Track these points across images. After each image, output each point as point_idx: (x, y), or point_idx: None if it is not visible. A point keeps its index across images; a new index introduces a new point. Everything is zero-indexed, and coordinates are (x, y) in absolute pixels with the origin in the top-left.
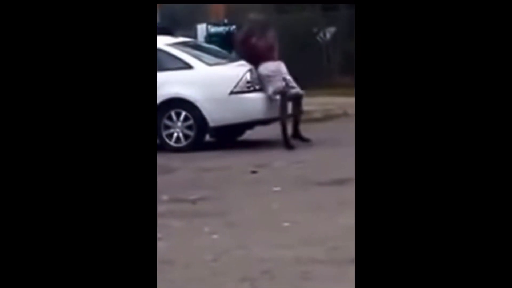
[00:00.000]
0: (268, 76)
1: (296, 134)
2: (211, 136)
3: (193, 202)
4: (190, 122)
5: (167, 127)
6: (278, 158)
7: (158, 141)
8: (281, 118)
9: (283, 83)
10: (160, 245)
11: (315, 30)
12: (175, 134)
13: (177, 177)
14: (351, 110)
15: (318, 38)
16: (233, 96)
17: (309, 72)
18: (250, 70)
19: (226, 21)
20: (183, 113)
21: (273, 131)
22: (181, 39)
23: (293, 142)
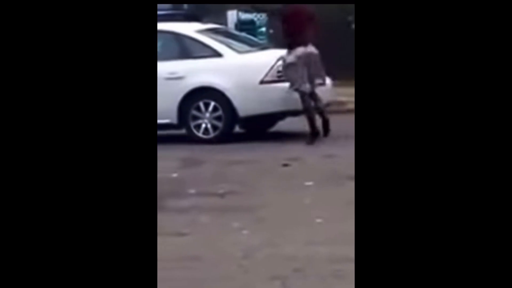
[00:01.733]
0: (290, 64)
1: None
2: (240, 127)
3: (222, 196)
4: (219, 112)
5: (195, 118)
6: (311, 151)
7: (185, 132)
8: (306, 111)
9: (302, 78)
10: (187, 241)
11: (349, 19)
12: (203, 125)
13: (205, 170)
14: None
15: (352, 27)
16: (264, 85)
17: (343, 62)
18: (281, 59)
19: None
20: (212, 103)
21: (306, 122)
22: (210, 25)
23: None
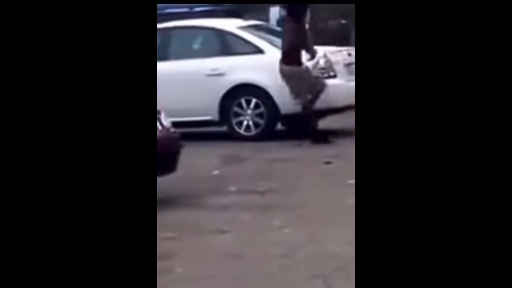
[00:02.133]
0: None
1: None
2: (282, 124)
3: (263, 194)
4: (261, 109)
5: (237, 115)
6: (353, 148)
7: (227, 129)
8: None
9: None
10: (228, 238)
11: None
12: (245, 122)
13: (246, 167)
14: None
15: None
16: None
17: None
18: (324, 56)
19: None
20: (254, 100)
21: (347, 120)
22: (252, 22)
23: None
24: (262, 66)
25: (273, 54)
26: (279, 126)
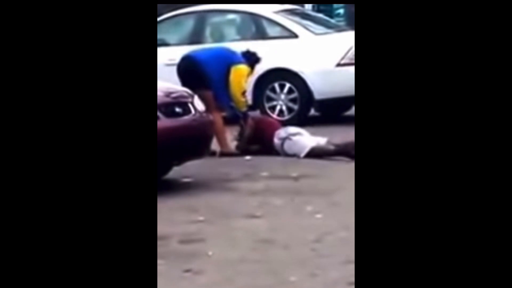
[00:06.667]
0: None
1: None
2: (315, 110)
3: (295, 179)
4: (295, 94)
5: (270, 99)
6: None
7: (260, 113)
8: None
9: None
10: (259, 223)
11: None
12: (278, 107)
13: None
14: None
15: None
16: (341, 68)
17: None
18: None
19: None
20: (287, 85)
21: None
22: (287, 6)
23: None
24: (296, 51)
25: (307, 39)
26: (312, 111)
